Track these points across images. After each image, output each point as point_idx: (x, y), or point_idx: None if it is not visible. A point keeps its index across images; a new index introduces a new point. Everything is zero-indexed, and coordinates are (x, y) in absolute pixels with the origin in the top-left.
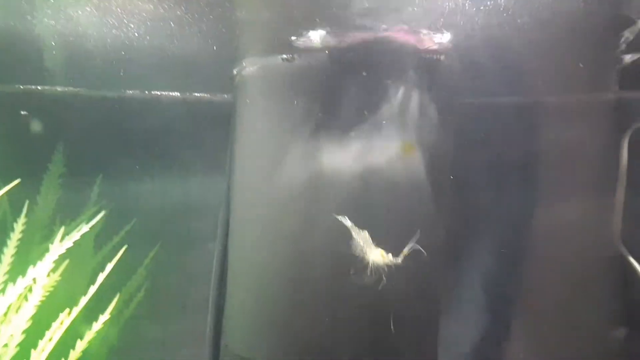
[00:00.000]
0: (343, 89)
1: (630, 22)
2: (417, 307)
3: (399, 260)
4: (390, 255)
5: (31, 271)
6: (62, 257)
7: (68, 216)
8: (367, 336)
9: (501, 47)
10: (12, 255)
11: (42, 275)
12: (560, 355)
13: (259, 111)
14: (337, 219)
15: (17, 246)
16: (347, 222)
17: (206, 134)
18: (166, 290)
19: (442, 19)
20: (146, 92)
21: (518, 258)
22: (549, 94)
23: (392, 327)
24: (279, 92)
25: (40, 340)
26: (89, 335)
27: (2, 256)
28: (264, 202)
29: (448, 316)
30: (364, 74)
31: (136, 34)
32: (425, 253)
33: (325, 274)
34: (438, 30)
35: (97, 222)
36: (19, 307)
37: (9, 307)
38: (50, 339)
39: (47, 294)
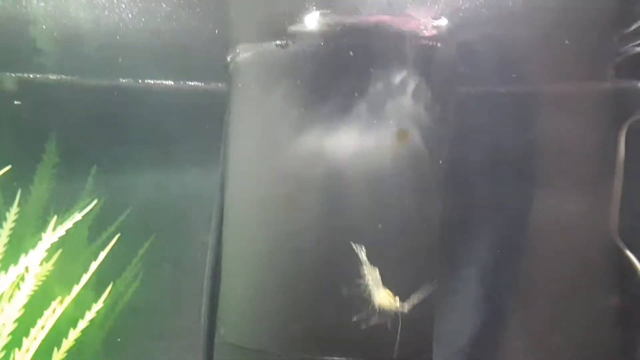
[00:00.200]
0: (338, 75)
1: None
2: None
3: (405, 309)
4: (397, 299)
5: (23, 260)
6: (55, 247)
7: (62, 206)
8: (361, 327)
9: (498, 35)
10: (5, 245)
11: (35, 263)
12: (556, 349)
13: (252, 98)
14: (353, 249)
15: (10, 235)
16: (363, 257)
17: (201, 123)
18: (161, 280)
19: (438, 5)
20: (140, 80)
21: (513, 250)
22: (546, 83)
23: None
24: (273, 78)
25: (32, 329)
26: (83, 324)
27: None
28: (258, 191)
29: (443, 311)
30: (359, 60)
31: (130, 15)
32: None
33: (319, 264)
34: (435, 16)
35: (91, 212)
36: (11, 296)
37: (1, 296)
38: (42, 327)
39: (40, 283)
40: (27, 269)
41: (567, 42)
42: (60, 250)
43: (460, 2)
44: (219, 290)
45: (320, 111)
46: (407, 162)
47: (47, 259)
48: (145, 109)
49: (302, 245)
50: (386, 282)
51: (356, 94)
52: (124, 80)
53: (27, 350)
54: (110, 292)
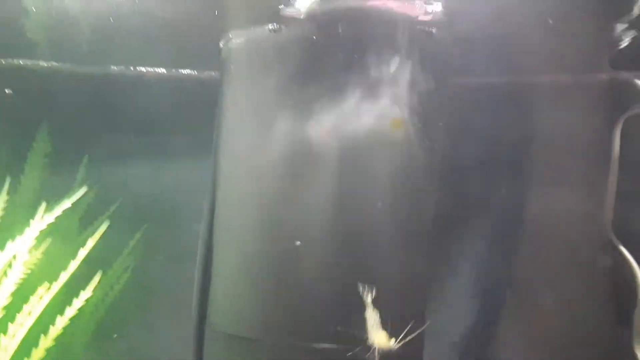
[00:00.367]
0: (331, 60)
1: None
2: (403, 294)
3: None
4: (393, 340)
5: (10, 246)
6: (45, 235)
7: (53, 196)
8: (352, 317)
9: (492, 24)
10: None
11: (23, 250)
12: (550, 342)
13: (245, 85)
14: (359, 289)
15: None
16: (368, 299)
17: (194, 113)
18: (152, 271)
19: None
20: (132, 68)
21: (506, 243)
22: (541, 74)
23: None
24: (266, 64)
25: (19, 314)
26: (71, 311)
27: None
28: (250, 178)
29: (435, 304)
30: (352, 45)
31: None
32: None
33: (311, 252)
34: (428, 1)
35: (83, 203)
36: None
37: None
38: (29, 313)
39: (29, 272)
40: (14, 257)
41: (563, 31)
42: (50, 240)
43: None
44: (210, 280)
45: (313, 97)
46: (401, 150)
47: (36, 247)
48: (138, 98)
49: (293, 233)
50: (376, 271)
51: (349, 79)
52: (115, 68)
53: (14, 336)
54: (100, 282)
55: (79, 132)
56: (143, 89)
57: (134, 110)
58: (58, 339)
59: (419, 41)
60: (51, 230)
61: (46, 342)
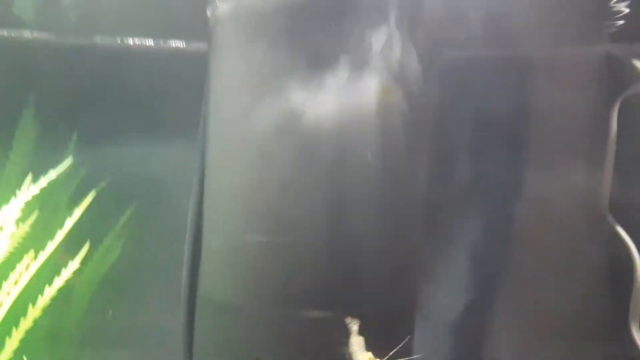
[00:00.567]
0: (320, 29)
1: None
2: (396, 274)
3: None
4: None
5: None
6: (33, 208)
7: (40, 172)
8: (342, 291)
9: None
10: None
11: (10, 221)
12: (545, 324)
13: (232, 54)
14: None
15: None
16: (354, 327)
17: (181, 86)
18: (142, 247)
19: None
20: (119, 40)
21: (501, 223)
22: (537, 48)
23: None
24: (253, 32)
25: (4, 282)
26: (59, 282)
27: None
28: (238, 149)
29: (428, 286)
30: (343, 12)
31: None
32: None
33: (300, 221)
34: None
35: (73, 182)
36: None
37: None
38: (16, 282)
39: (17, 244)
40: (1, 228)
41: (560, 3)
42: (38, 213)
43: None
44: (199, 251)
45: (302, 67)
46: (393, 123)
47: (23, 219)
48: (126, 71)
49: (280, 201)
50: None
51: (339, 48)
52: (101, 39)
53: (0, 305)
54: (92, 258)
55: (66, 107)
56: (131, 62)
57: (121, 86)
58: (47, 309)
59: (409, 10)
60: (40, 206)
61: (34, 312)
